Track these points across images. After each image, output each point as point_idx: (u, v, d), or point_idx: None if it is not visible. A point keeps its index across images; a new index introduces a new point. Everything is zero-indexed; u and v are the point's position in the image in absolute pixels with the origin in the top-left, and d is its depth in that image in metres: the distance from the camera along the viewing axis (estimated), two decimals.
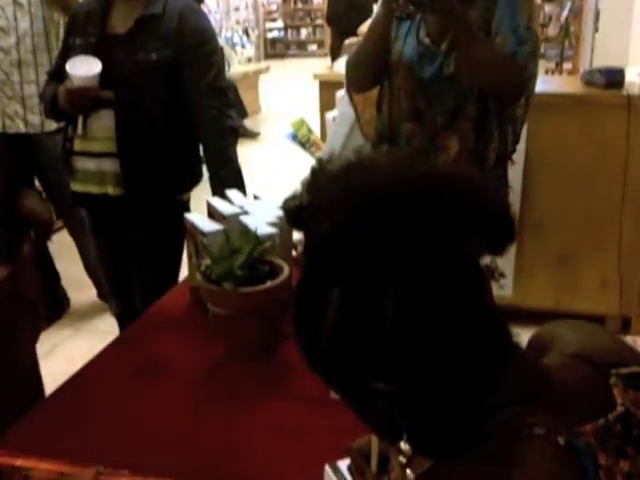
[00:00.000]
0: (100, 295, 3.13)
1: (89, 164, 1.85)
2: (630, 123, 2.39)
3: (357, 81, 1.75)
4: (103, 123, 1.80)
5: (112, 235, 1.99)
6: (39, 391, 1.46)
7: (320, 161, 0.62)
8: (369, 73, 1.70)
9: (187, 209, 1.96)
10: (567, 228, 2.57)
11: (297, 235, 1.59)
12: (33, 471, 0.73)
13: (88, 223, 2.10)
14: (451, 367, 0.56)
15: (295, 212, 0.61)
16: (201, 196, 1.91)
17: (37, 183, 2.82)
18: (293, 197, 0.61)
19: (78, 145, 1.86)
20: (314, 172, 0.62)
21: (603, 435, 0.54)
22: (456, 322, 0.56)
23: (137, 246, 1.94)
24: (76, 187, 1.91)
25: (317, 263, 0.59)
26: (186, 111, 1.87)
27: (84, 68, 1.73)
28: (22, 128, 2.70)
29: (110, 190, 1.85)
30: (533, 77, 1.61)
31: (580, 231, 2.56)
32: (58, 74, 1.86)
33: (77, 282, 3.19)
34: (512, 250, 2.67)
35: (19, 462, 0.76)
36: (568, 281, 2.63)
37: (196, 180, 2.00)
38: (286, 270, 1.30)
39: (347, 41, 3.61)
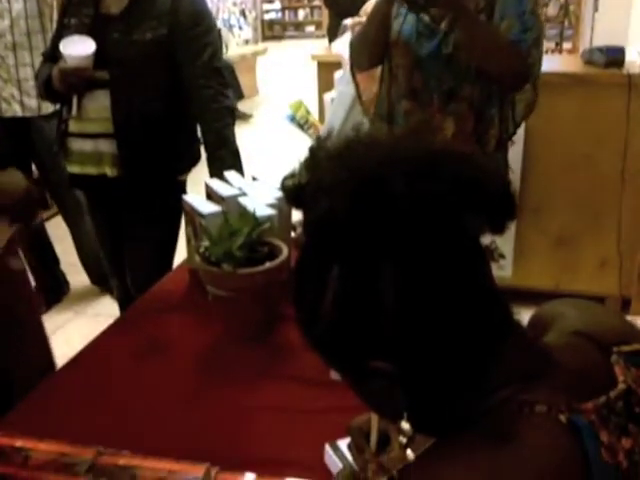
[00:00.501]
0: (93, 282, 3.13)
1: (86, 145, 1.83)
2: (630, 102, 2.37)
3: (361, 60, 1.77)
4: (98, 104, 1.79)
5: (110, 216, 1.98)
6: (50, 366, 1.46)
7: (319, 139, 0.61)
8: (372, 53, 1.72)
9: (184, 191, 1.96)
10: (567, 209, 2.56)
11: (296, 216, 1.58)
12: (33, 452, 0.73)
13: (86, 205, 2.09)
14: (451, 345, 0.56)
15: (294, 191, 0.60)
16: (198, 178, 1.90)
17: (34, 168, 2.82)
18: (292, 175, 0.60)
19: (73, 126, 1.85)
20: (313, 150, 0.61)
21: (604, 412, 0.53)
22: (455, 300, 0.56)
23: (133, 227, 1.93)
24: (73, 169, 1.90)
25: (316, 242, 0.59)
26: (183, 91, 1.85)
27: (78, 48, 1.71)
28: (19, 112, 2.68)
29: (108, 171, 1.83)
30: (537, 63, 1.62)
31: (580, 212, 2.56)
32: (53, 55, 1.84)
33: (77, 266, 3.18)
34: (511, 231, 2.67)
35: (19, 443, 0.76)
36: (568, 262, 2.63)
37: (194, 161, 1.98)
38: (285, 251, 1.30)
39: (345, 21, 3.57)
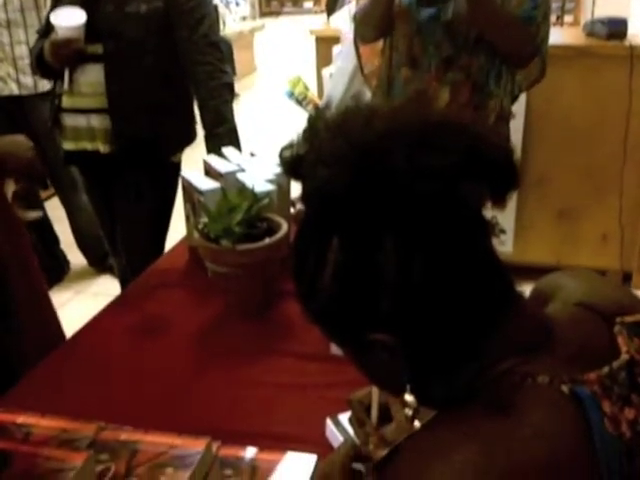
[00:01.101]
0: (90, 263, 3.13)
1: (79, 121, 1.82)
2: (633, 75, 2.34)
3: (366, 33, 1.76)
4: (90, 78, 1.76)
5: (106, 193, 1.97)
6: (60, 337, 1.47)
7: (318, 109, 0.60)
8: (376, 25, 1.71)
9: (178, 170, 1.95)
10: (568, 182, 2.55)
11: (295, 192, 1.57)
12: (34, 428, 0.73)
13: (82, 183, 2.08)
14: (452, 317, 0.55)
15: (292, 161, 0.59)
16: (194, 157, 1.88)
17: None
18: (290, 146, 0.59)
19: (66, 101, 1.83)
20: (311, 121, 0.60)
21: (607, 383, 0.53)
22: (457, 271, 0.55)
23: (125, 207, 1.92)
24: (68, 145, 1.88)
25: (315, 213, 0.58)
26: (179, 67, 1.82)
27: (68, 18, 1.68)
28: (15, 90, 2.66)
29: (101, 147, 1.82)
30: (545, 38, 1.62)
31: (581, 185, 2.54)
32: (47, 31, 1.81)
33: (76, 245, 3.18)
34: (512, 205, 2.67)
35: (20, 419, 0.75)
36: (569, 236, 2.62)
37: (189, 139, 1.96)
38: (284, 227, 1.29)
39: None
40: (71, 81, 1.78)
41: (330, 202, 0.54)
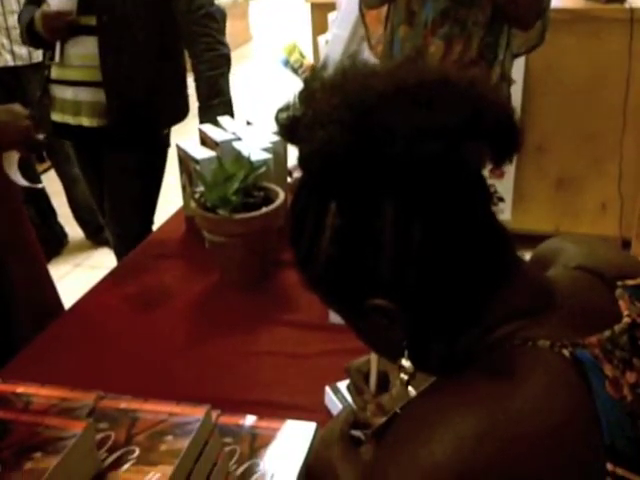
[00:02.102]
0: (87, 236, 3.12)
1: (66, 93, 1.79)
2: (633, 38, 2.31)
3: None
4: (81, 51, 1.73)
5: (96, 166, 1.95)
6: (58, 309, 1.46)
7: (314, 69, 0.58)
8: None
9: (168, 143, 1.93)
10: (567, 150, 2.52)
11: (292, 161, 1.55)
12: (34, 397, 0.73)
13: (73, 154, 2.06)
14: (452, 281, 0.55)
15: (288, 124, 0.57)
16: (188, 128, 1.86)
17: None
18: (286, 108, 0.58)
19: (55, 73, 1.80)
20: (307, 81, 0.58)
21: (609, 347, 0.52)
22: (457, 235, 0.54)
23: (113, 181, 1.91)
24: (55, 117, 1.85)
25: (313, 177, 0.56)
26: (174, 40, 1.80)
27: None
28: (10, 61, 2.63)
29: (85, 121, 1.79)
30: (549, 1, 1.60)
31: (580, 153, 2.52)
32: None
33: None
34: (511, 174, 2.64)
35: (20, 389, 0.75)
36: (568, 204, 2.61)
37: (182, 114, 1.94)
38: (281, 196, 1.27)
39: None
40: (62, 53, 1.75)
41: (327, 164, 0.53)
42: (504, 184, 2.45)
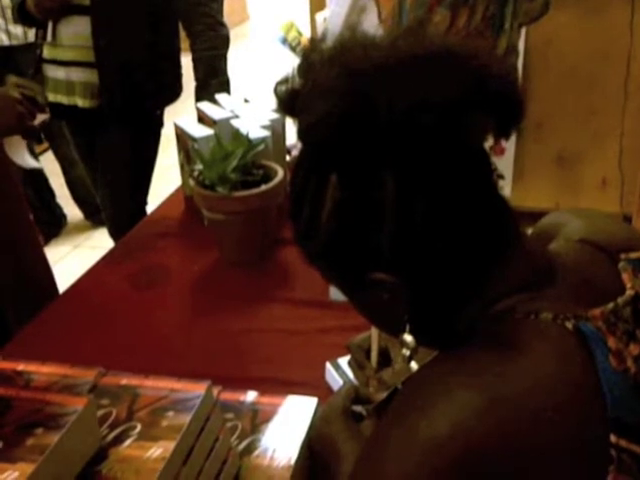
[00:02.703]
0: (86, 216, 3.11)
1: (58, 73, 1.77)
2: (634, 14, 2.28)
3: None
4: (74, 30, 1.71)
5: (90, 146, 1.94)
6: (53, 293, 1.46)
7: (313, 41, 0.57)
8: None
9: (161, 124, 1.92)
10: (567, 126, 2.51)
11: (290, 140, 1.54)
12: (35, 374, 0.73)
13: (68, 135, 2.05)
14: (454, 254, 0.54)
15: (287, 96, 0.56)
16: (185, 106, 1.84)
17: None
18: (285, 80, 0.56)
19: (47, 52, 1.78)
20: (306, 53, 0.57)
21: (612, 319, 0.52)
22: (459, 208, 0.53)
23: (106, 161, 1.90)
24: (49, 97, 1.83)
25: (312, 149, 0.56)
26: (168, 19, 1.78)
27: None
28: (5, 40, 2.61)
29: (79, 102, 1.78)
30: None
31: (581, 129, 2.50)
32: None
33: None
34: (511, 151, 2.63)
35: (21, 367, 0.75)
36: (568, 181, 2.60)
37: (175, 94, 1.93)
38: (280, 173, 1.27)
39: None
40: (54, 32, 1.73)
41: (327, 135, 0.52)
42: (504, 161, 2.44)
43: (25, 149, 1.24)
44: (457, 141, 0.51)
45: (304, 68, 0.56)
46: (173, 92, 1.92)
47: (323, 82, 0.52)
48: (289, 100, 0.56)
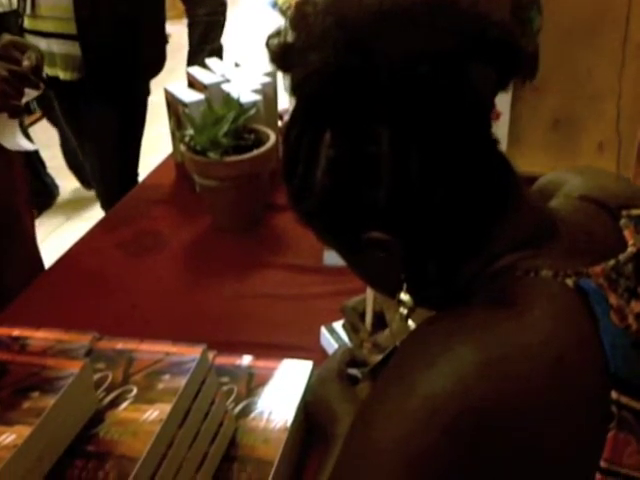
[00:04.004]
0: (83, 183, 3.08)
1: (40, 43, 1.72)
2: None
3: None
4: (52, 1, 1.66)
5: (76, 118, 1.90)
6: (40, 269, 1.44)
7: None
8: None
9: (147, 92, 1.89)
10: (563, 90, 2.47)
11: (282, 104, 1.52)
12: (30, 340, 0.72)
13: (56, 105, 2.02)
14: (452, 211, 0.53)
15: (280, 50, 0.54)
16: (174, 75, 1.81)
17: None
18: (277, 33, 0.55)
19: (27, 23, 1.74)
20: (299, 5, 0.55)
21: (613, 276, 0.51)
22: (456, 162, 0.52)
23: (93, 132, 1.87)
24: None
25: (306, 104, 0.54)
26: None
27: None
28: None
29: (60, 74, 1.74)
30: None
31: (577, 92, 2.46)
32: None
33: (65, 170, 3.12)
34: (506, 115, 2.59)
35: (16, 332, 0.74)
36: (564, 145, 2.57)
37: (160, 65, 1.89)
38: (272, 138, 1.25)
39: None
40: (33, 3, 1.68)
41: (321, 88, 0.50)
42: (499, 127, 2.41)
43: (17, 130, 1.19)
44: (455, 92, 0.50)
45: (297, 20, 0.54)
46: (157, 64, 1.89)
47: (317, 33, 0.51)
48: (282, 54, 0.54)
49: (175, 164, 1.55)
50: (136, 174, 1.98)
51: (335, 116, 0.51)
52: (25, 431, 0.58)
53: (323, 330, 0.96)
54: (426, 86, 0.49)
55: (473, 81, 0.50)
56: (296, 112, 0.55)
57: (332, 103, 0.51)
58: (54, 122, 2.95)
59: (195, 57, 1.81)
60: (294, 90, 0.53)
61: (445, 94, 0.50)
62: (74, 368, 0.65)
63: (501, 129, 2.47)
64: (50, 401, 0.61)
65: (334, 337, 0.95)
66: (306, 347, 0.96)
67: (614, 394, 0.46)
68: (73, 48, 1.69)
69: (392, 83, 0.49)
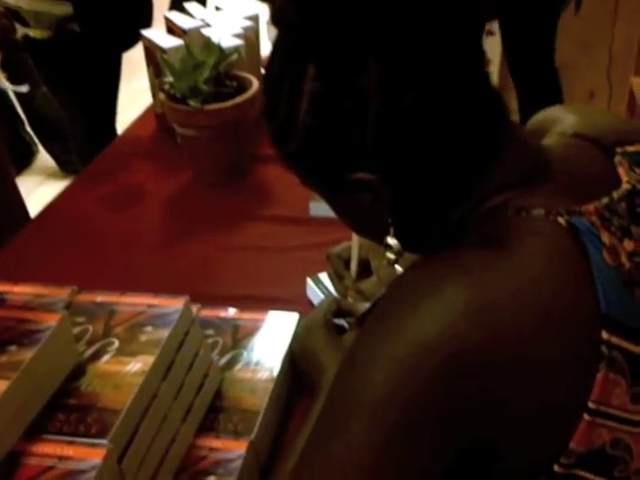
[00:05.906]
0: (59, 164, 3.00)
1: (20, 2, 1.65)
2: None
3: None
4: None
5: (52, 74, 1.84)
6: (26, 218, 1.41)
7: None
8: None
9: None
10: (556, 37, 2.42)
11: (265, 50, 1.47)
12: (8, 294, 0.70)
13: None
14: (442, 148, 0.51)
15: None
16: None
17: None
18: None
19: None
20: None
21: (606, 214, 0.50)
22: (447, 96, 0.49)
23: (62, 83, 1.80)
24: None
25: (287, 35, 0.50)
26: None
27: None
28: None
29: (30, 32, 1.66)
30: None
31: (569, 39, 2.42)
32: None
33: None
34: (495, 64, 2.53)
35: None
36: None
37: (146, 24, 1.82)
38: (255, 84, 1.20)
39: None
40: None
41: (304, 16, 0.47)
42: (490, 73, 2.36)
43: None
44: (447, 20, 0.47)
45: None
46: (145, 19, 1.81)
47: None
48: None
49: (155, 115, 1.50)
50: (114, 130, 1.93)
51: (319, 46, 0.48)
52: (2, 385, 0.56)
53: (309, 281, 0.95)
54: (416, 12, 0.46)
55: (465, 7, 0.47)
56: (277, 44, 0.52)
57: (316, 32, 0.47)
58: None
59: (177, 2, 1.73)
60: (275, 19, 0.50)
61: (436, 21, 0.46)
62: (52, 321, 0.63)
63: (492, 76, 2.42)
64: (28, 354, 0.59)
65: (320, 288, 0.93)
66: (292, 299, 0.94)
67: (605, 334, 0.45)
68: (42, 5, 1.62)
69: (379, 9, 0.45)
